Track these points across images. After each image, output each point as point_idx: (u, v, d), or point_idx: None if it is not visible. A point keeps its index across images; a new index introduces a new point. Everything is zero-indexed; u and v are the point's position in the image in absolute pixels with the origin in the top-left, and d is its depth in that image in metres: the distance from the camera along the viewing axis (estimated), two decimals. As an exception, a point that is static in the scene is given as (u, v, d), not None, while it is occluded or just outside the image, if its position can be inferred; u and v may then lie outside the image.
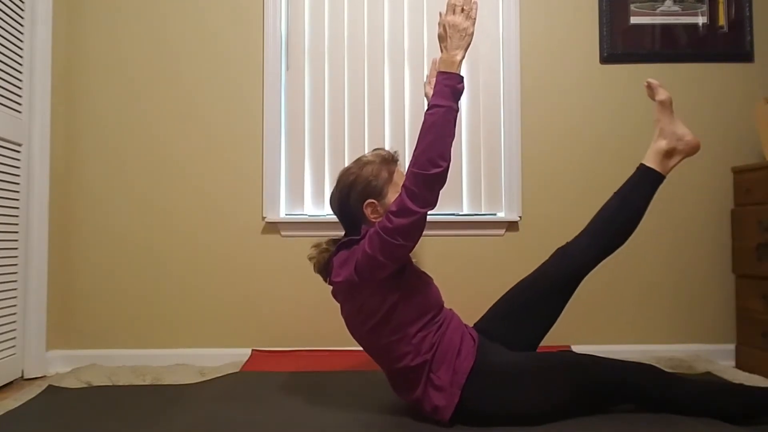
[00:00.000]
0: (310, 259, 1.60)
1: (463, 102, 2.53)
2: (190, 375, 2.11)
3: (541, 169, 2.50)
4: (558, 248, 1.70)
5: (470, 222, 2.47)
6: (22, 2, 2.16)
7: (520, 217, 2.48)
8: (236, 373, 2.07)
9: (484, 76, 2.53)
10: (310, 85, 2.52)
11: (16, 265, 2.13)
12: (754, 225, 2.28)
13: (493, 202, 2.52)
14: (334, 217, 2.47)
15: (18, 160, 2.14)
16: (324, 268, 1.57)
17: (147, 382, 2.03)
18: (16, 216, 2.13)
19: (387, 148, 2.41)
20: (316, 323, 2.42)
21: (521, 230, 2.49)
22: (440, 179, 1.38)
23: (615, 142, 2.51)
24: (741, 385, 1.58)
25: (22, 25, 2.16)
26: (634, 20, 2.51)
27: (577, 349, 2.35)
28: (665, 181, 1.75)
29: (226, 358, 2.37)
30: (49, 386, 1.91)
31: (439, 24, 1.47)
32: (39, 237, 2.22)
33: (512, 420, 1.43)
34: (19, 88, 2.15)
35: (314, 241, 1.63)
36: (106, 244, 2.43)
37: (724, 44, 2.51)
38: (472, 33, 1.45)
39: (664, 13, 2.51)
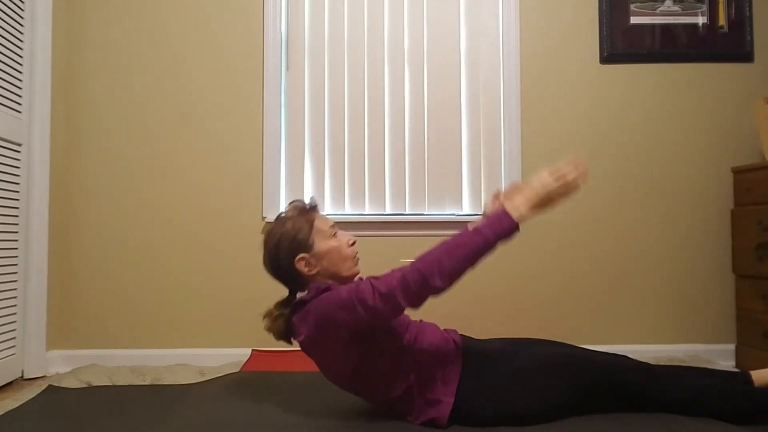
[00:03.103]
0: (267, 330, 1.53)
1: (463, 102, 2.53)
2: (190, 375, 2.11)
3: (540, 169, 2.50)
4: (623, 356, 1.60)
5: (470, 222, 2.47)
6: (22, 2, 2.16)
7: (520, 217, 2.47)
8: (236, 373, 2.07)
9: (484, 76, 2.53)
10: (310, 85, 2.52)
11: (16, 265, 2.13)
12: (754, 225, 2.28)
13: (493, 202, 2.51)
14: (334, 218, 2.48)
15: (18, 160, 2.14)
16: (284, 335, 1.52)
17: (147, 382, 2.03)
18: (16, 216, 2.13)
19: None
20: (316, 323, 2.41)
21: (521, 230, 2.48)
22: (435, 293, 1.33)
23: (615, 141, 2.51)
24: (740, 385, 1.58)
25: (22, 25, 2.16)
26: (634, 20, 2.51)
27: (577, 349, 2.35)
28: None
29: (226, 358, 2.38)
30: (49, 386, 1.91)
31: (542, 175, 1.40)
32: (39, 237, 2.22)
33: (509, 420, 1.43)
34: (19, 88, 2.15)
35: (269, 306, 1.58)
36: (106, 244, 2.43)
37: (724, 44, 2.51)
38: (550, 206, 1.40)
39: (664, 13, 2.51)
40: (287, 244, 1.48)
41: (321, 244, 1.49)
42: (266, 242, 1.52)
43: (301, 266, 1.48)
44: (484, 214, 1.73)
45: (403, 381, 1.43)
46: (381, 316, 1.34)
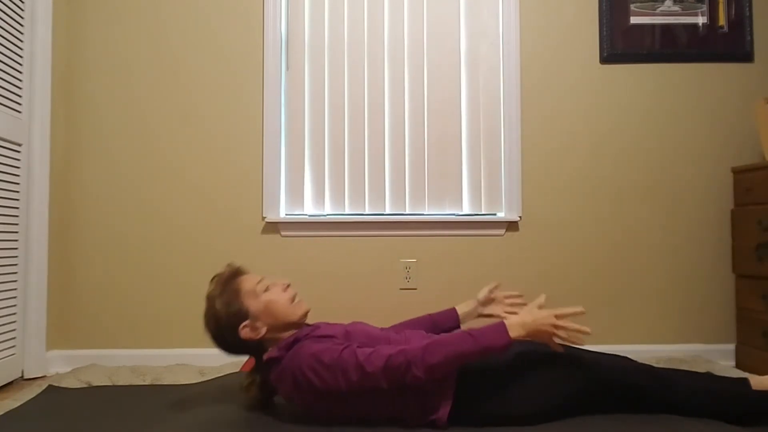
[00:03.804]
0: (248, 405, 1.56)
1: (464, 102, 2.53)
2: (190, 375, 2.11)
3: (541, 169, 2.50)
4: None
5: (470, 222, 2.47)
6: (22, 2, 2.16)
7: (520, 217, 2.48)
8: (236, 373, 2.07)
9: (484, 76, 2.53)
10: (310, 85, 2.52)
11: (16, 265, 2.13)
12: (754, 225, 2.28)
13: (493, 202, 2.52)
14: (334, 218, 2.48)
15: (18, 160, 2.14)
16: (262, 401, 1.54)
17: (147, 382, 2.03)
18: (16, 216, 2.13)
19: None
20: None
21: (521, 230, 2.49)
22: (414, 382, 1.34)
23: (615, 141, 2.51)
24: (741, 387, 1.57)
25: (22, 25, 2.16)
26: (634, 20, 2.51)
27: (577, 349, 2.35)
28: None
29: (226, 358, 2.37)
30: (49, 386, 1.91)
31: (550, 314, 1.40)
32: (39, 237, 2.22)
33: (509, 420, 1.43)
34: (19, 88, 2.15)
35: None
36: (106, 244, 2.43)
37: (724, 44, 2.51)
38: (540, 341, 1.41)
39: (664, 13, 2.51)
40: (225, 322, 1.47)
41: (256, 305, 1.48)
42: (207, 328, 1.51)
43: (247, 333, 1.47)
44: (477, 299, 1.80)
45: (398, 400, 1.42)
46: (357, 390, 1.36)
